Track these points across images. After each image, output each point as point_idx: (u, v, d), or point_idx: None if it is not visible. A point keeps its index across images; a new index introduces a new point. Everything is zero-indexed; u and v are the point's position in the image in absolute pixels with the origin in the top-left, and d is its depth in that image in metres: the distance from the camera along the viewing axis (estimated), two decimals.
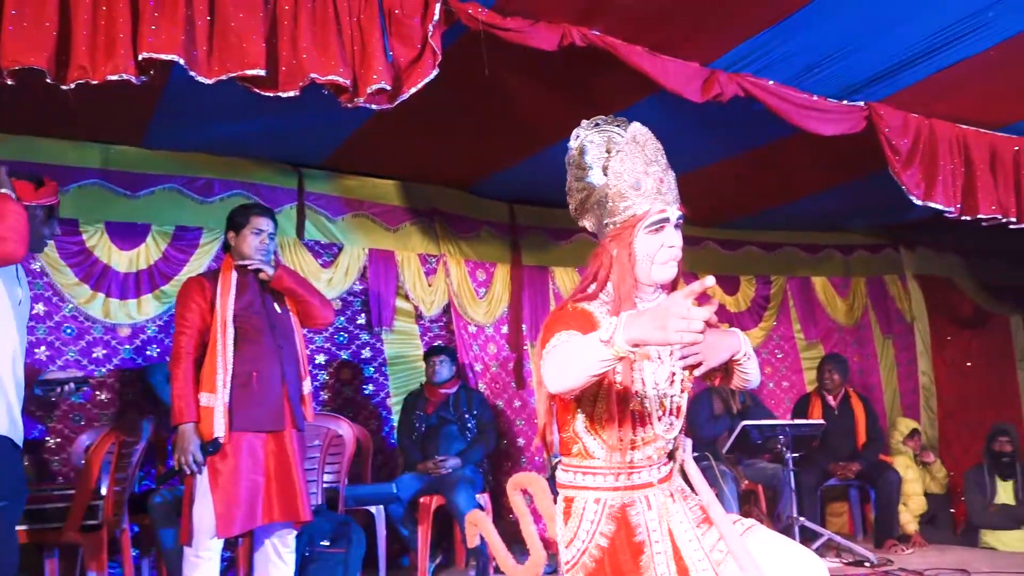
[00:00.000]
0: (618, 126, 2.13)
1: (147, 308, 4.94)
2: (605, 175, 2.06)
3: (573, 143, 2.15)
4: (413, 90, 2.99)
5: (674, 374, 2.10)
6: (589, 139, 2.12)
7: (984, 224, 4.51)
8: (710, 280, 1.59)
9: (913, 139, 4.29)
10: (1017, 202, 4.56)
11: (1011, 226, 4.56)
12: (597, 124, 2.14)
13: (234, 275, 3.62)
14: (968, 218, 4.45)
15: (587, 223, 2.17)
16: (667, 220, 2.03)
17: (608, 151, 2.09)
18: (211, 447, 3.38)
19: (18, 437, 2.81)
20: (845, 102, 4.22)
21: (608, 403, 2.01)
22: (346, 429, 4.85)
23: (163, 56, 2.59)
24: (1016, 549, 5.93)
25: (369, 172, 5.66)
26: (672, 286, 2.13)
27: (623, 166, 2.04)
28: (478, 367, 5.96)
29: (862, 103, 4.24)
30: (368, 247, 5.66)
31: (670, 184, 2.07)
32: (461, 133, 4.80)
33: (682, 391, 2.13)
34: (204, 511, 3.37)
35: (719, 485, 4.15)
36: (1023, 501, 6.12)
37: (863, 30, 3.71)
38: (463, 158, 5.29)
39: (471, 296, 6.01)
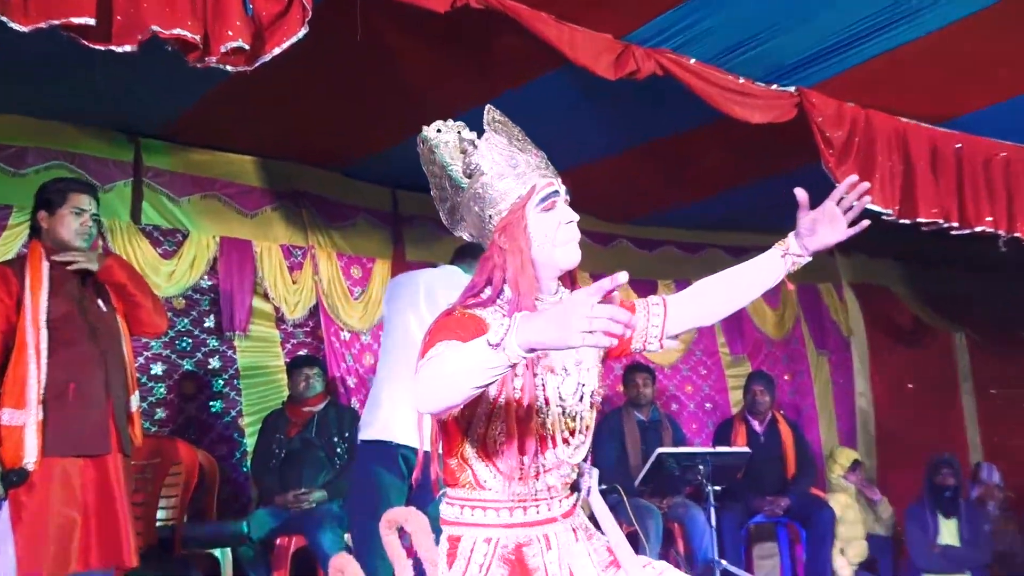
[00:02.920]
0: (463, 127, 2.23)
1: None
2: (471, 167, 2.15)
3: (421, 147, 2.24)
4: (277, 50, 2.96)
5: (582, 386, 2.15)
6: (436, 140, 2.21)
7: (924, 228, 4.69)
8: (623, 276, 1.64)
9: (848, 131, 4.47)
10: (959, 205, 4.75)
11: (952, 231, 4.75)
12: (439, 130, 2.22)
13: (46, 265, 3.50)
14: (907, 221, 4.63)
15: (466, 231, 2.26)
16: (557, 194, 2.13)
17: (464, 142, 2.18)
18: (14, 477, 3.25)
19: None
20: (774, 87, 4.37)
21: (506, 422, 2.03)
22: (186, 454, 4.77)
23: None
24: None
25: (223, 146, 5.59)
26: (571, 282, 2.22)
27: (491, 149, 2.13)
28: (352, 381, 5.94)
29: (792, 89, 4.40)
30: (219, 235, 5.60)
31: (546, 161, 2.19)
32: (335, 104, 4.79)
33: (591, 407, 2.18)
34: (2, 557, 3.25)
35: (632, 523, 4.22)
36: (968, 542, 6.25)
37: (795, 5, 3.83)
38: (337, 133, 5.28)
39: (344, 297, 5.99)
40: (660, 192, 6.37)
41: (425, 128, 2.22)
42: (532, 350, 1.68)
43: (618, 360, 6.86)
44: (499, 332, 1.70)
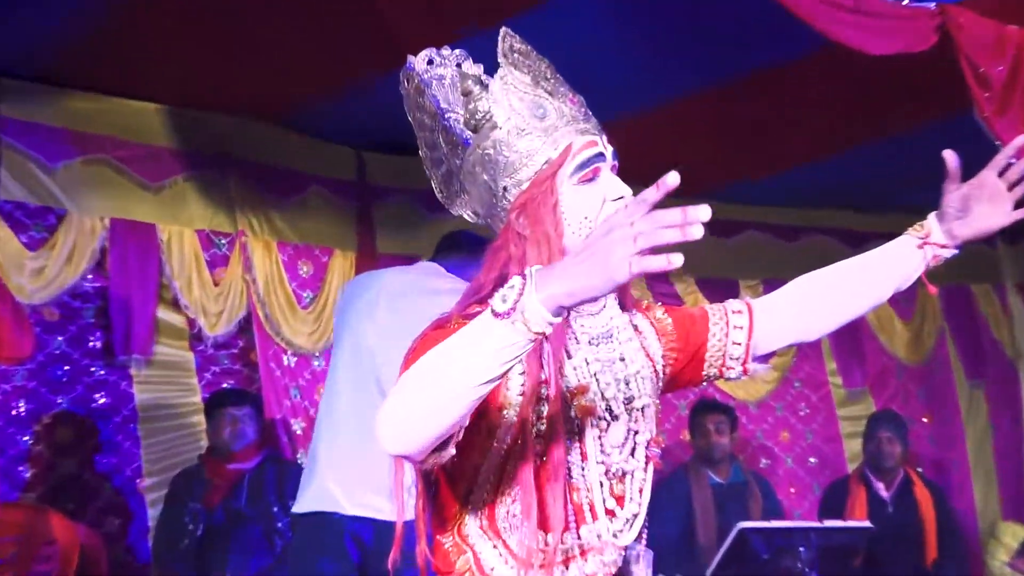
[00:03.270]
0: (466, 58, 2.23)
1: None
2: (479, 116, 2.13)
3: (404, 86, 2.22)
4: None
5: (633, 433, 2.16)
6: (428, 76, 2.20)
7: None
8: (705, 212, 1.56)
9: (1011, 65, 4.43)
10: None
11: None
12: (431, 61, 2.22)
13: None
14: None
15: (468, 208, 2.27)
16: (602, 158, 2.11)
17: (469, 80, 2.16)
18: None
19: None
20: (906, 2, 4.36)
21: (522, 485, 2.01)
22: (62, 531, 4.76)
23: None
24: None
25: (114, 89, 5.61)
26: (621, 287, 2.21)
27: (507, 93, 2.11)
28: (298, 426, 5.95)
29: (932, 5, 4.38)
30: (109, 216, 5.62)
31: (587, 110, 2.16)
32: (275, 29, 4.79)
33: (646, 466, 2.18)
34: None
35: None
36: None
37: None
38: (280, 70, 5.27)
39: (288, 304, 6.01)
40: (740, 155, 6.36)
41: (412, 59, 2.21)
42: (562, 310, 1.65)
43: (682, 392, 6.83)
44: (509, 294, 1.67)
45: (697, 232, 1.54)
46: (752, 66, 5.19)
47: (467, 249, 4.18)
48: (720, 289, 7.23)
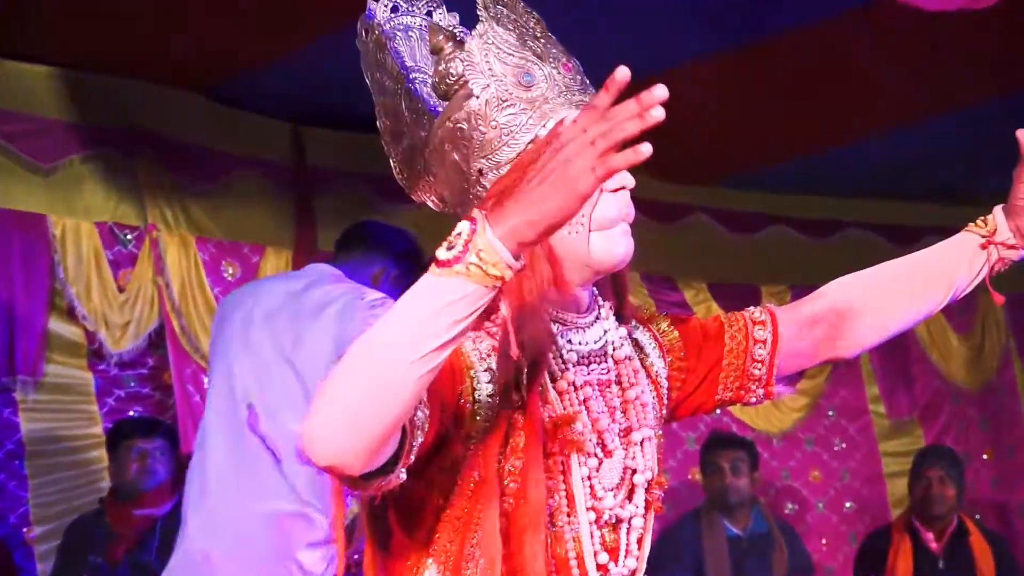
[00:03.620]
0: (438, 5, 2.24)
1: None
2: (452, 80, 2.12)
3: (362, 38, 2.21)
4: None
5: (631, 473, 2.16)
6: (391, 27, 2.20)
7: None
8: (661, 91, 1.59)
9: None
10: None
11: None
12: (394, 8, 2.22)
13: None
14: None
15: (432, 193, 2.25)
16: None
17: (440, 34, 2.16)
18: None
19: None
20: None
21: (484, 535, 2.01)
22: None
23: None
24: None
25: None
26: (618, 294, 2.20)
27: (487, 52, 2.07)
28: None
29: None
30: None
31: (583, 78, 2.15)
32: None
33: (646, 512, 2.18)
34: None
35: None
36: None
37: None
38: (198, 27, 5.28)
39: (210, 313, 5.91)
40: (762, 132, 6.38)
41: (372, 4, 2.20)
42: (524, 249, 1.67)
43: (691, 422, 6.82)
44: (456, 240, 1.67)
45: (658, 114, 1.57)
46: (781, 23, 5.22)
47: (370, 244, 4.20)
48: (738, 297, 7.16)
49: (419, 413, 1.80)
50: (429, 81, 2.17)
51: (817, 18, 5.12)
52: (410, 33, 2.21)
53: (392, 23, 2.20)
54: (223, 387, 4.09)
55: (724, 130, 6.29)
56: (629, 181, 2.07)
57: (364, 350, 1.71)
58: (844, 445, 7.66)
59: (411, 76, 2.19)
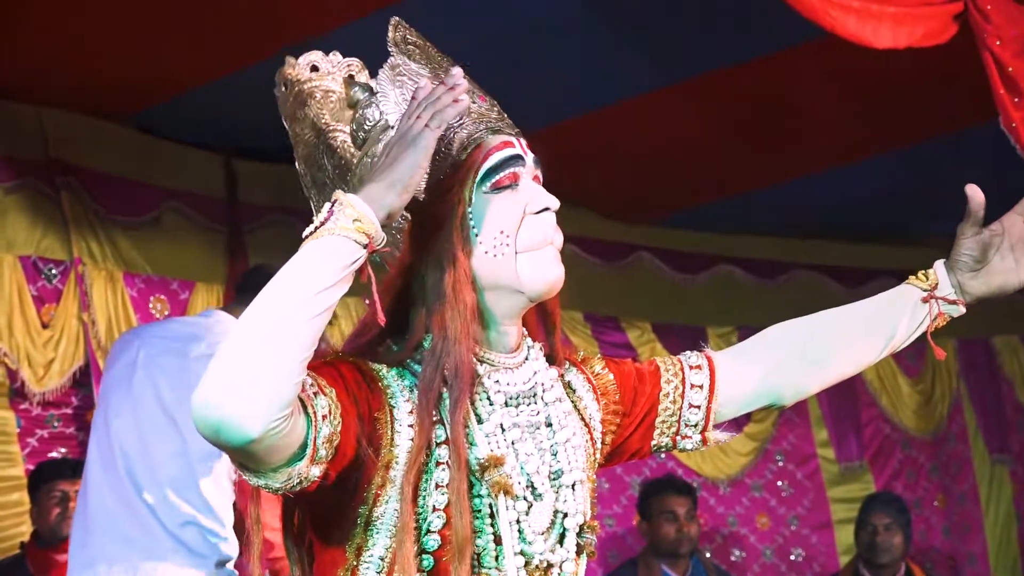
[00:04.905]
0: (358, 68, 2.29)
1: None
2: (367, 123, 2.14)
3: (282, 92, 2.26)
4: None
5: (562, 517, 2.14)
6: (311, 86, 2.23)
7: None
8: (456, 71, 1.96)
9: None
10: None
11: None
12: (315, 68, 2.25)
13: None
14: None
15: None
16: (520, 161, 2.11)
17: (358, 88, 2.19)
18: None
19: None
20: None
21: (404, 573, 1.99)
22: None
23: None
24: None
25: None
26: (547, 328, 2.19)
27: (400, 83, 2.12)
28: None
29: None
30: None
31: (499, 110, 2.16)
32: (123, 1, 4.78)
33: (578, 557, 2.17)
34: None
35: None
36: None
37: None
38: (127, 53, 5.25)
39: None
40: (709, 169, 6.40)
41: (291, 62, 2.21)
42: (388, 210, 1.85)
43: (635, 465, 6.80)
44: (321, 216, 1.83)
45: (461, 87, 1.91)
46: (727, 59, 5.25)
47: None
48: (685, 337, 7.16)
49: (321, 400, 1.85)
50: (349, 131, 2.20)
51: (760, 54, 5.17)
52: (332, 93, 2.25)
53: (311, 83, 2.24)
54: (102, 443, 4.14)
55: (666, 168, 6.32)
56: (553, 203, 2.09)
57: (255, 310, 1.78)
58: (793, 491, 7.67)
59: (330, 133, 2.23)
